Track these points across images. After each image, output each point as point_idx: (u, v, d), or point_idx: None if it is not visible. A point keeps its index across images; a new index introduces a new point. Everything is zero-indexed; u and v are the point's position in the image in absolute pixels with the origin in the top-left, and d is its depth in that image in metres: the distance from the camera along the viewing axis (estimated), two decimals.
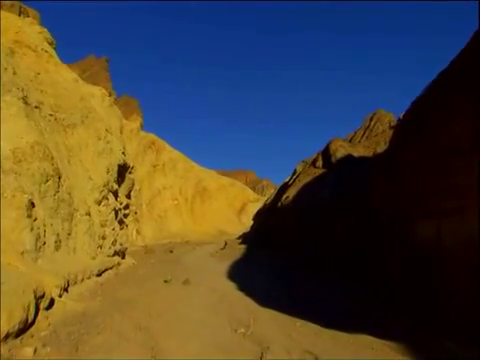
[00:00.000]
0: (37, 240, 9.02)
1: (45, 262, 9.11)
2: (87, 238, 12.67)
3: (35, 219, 9.30)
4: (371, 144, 28.23)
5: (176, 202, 57.65)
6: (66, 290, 8.72)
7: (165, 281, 11.53)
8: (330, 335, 6.50)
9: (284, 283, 11.74)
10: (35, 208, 9.53)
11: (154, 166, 56.48)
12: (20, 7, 34.71)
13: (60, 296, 8.09)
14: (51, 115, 14.23)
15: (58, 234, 10.31)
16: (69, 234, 11.55)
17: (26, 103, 12.49)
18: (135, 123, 62.55)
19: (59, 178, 11.44)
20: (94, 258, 12.82)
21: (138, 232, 41.09)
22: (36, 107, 13.35)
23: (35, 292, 6.12)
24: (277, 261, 17.55)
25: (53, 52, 18.75)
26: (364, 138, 32.35)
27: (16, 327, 5.44)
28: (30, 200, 9.26)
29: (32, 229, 8.93)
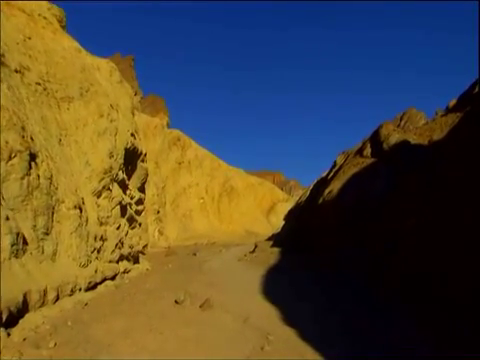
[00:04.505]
0: None
1: None
2: (76, 239, 9.53)
3: None
4: (424, 131, 24.58)
5: (202, 201, 54.63)
6: (10, 324, 5.51)
7: (176, 302, 8.19)
8: None
9: (348, 316, 7.78)
10: None
11: (179, 163, 53.61)
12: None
13: None
14: (39, 84, 11.26)
15: (20, 233, 7.15)
16: (46, 233, 8.43)
17: (2, 64, 9.56)
18: (161, 121, 60.13)
19: (32, 157, 8.33)
20: (85, 266, 9.68)
21: (160, 232, 38.29)
22: (17, 71, 10.41)
23: None
24: (325, 272, 13.82)
25: (55, 21, 15.87)
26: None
27: None
28: None
29: None
